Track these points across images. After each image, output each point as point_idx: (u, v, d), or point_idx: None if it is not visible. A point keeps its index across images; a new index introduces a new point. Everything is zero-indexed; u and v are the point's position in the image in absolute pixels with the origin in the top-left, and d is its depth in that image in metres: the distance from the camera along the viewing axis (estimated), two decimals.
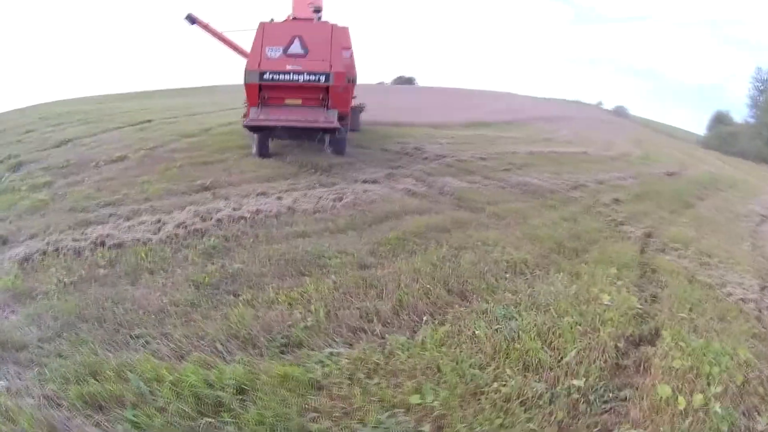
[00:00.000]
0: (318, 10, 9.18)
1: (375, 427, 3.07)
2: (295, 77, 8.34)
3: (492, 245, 5.99)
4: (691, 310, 5.03)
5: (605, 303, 4.63)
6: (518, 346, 3.87)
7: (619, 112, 36.57)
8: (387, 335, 4.05)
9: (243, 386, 3.55)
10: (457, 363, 3.64)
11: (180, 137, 13.18)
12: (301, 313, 4.37)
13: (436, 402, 3.26)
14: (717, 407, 3.30)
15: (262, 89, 8.57)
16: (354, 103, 12.30)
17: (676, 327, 4.50)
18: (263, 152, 9.72)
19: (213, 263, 5.58)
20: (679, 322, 4.67)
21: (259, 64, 8.40)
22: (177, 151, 11.49)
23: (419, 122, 19.67)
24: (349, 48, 10.11)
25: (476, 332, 4.02)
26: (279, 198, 7.73)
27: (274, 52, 8.37)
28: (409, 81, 34.73)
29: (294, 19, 9.28)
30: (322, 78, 8.33)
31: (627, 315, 4.57)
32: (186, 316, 4.65)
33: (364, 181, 8.86)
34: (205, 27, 10.87)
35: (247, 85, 8.59)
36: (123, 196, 8.39)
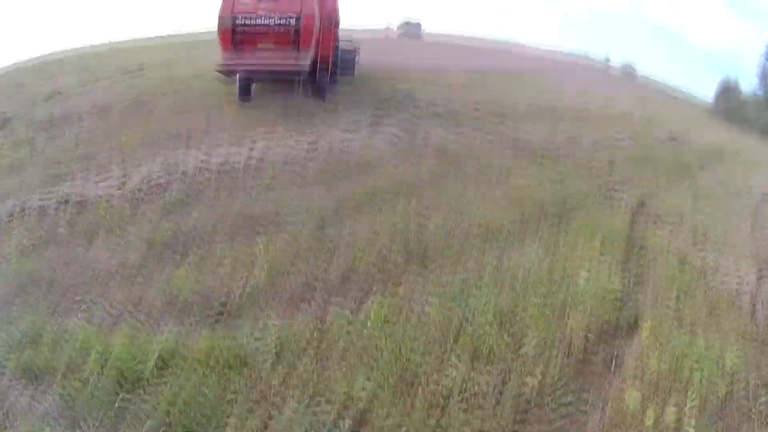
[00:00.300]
0: None
1: (290, 418, 2.84)
2: (267, 21, 8.39)
3: (466, 205, 5.49)
4: (678, 298, 4.39)
5: (581, 283, 4.10)
6: (470, 329, 3.43)
7: (626, 70, 34.09)
8: (329, 307, 3.76)
9: (165, 360, 3.37)
10: (398, 346, 3.28)
11: (169, 83, 12.66)
12: (243, 277, 4.11)
13: (363, 393, 2.94)
14: (691, 427, 2.80)
15: (235, 33, 8.53)
16: (347, 47, 12.04)
17: (658, 318, 3.91)
18: (244, 97, 9.42)
19: (169, 220, 5.35)
20: (664, 312, 4.08)
21: (232, 9, 8.41)
22: (162, 97, 11.05)
23: (420, 67, 18.25)
24: None
25: (426, 309, 3.67)
26: (251, 148, 7.28)
27: None
28: (417, 27, 33.72)
29: None
30: (293, 20, 8.32)
31: (604, 300, 3.99)
32: (131, 279, 4.47)
33: (345, 130, 8.29)
34: None
35: (221, 31, 8.56)
36: (98, 149, 8.13)
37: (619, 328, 3.84)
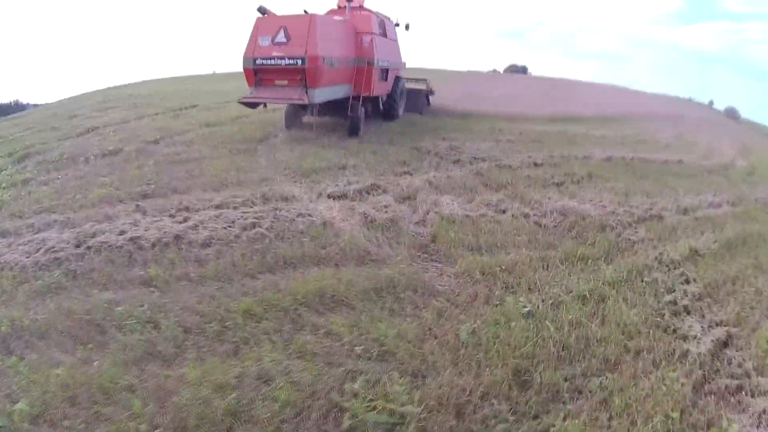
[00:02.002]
0: (262, 11, 10.06)
1: None
2: (279, 61, 9.60)
3: (392, 355, 3.49)
4: None
5: None
6: None
7: (731, 114, 29.66)
8: None
9: None
10: None
11: (200, 126, 12.38)
12: None
13: None
14: None
15: (256, 72, 9.85)
16: (417, 86, 15.92)
17: None
18: (288, 125, 11.49)
19: (29, 307, 4.28)
20: None
21: (252, 52, 9.75)
22: (179, 144, 10.59)
23: (500, 112, 17.00)
24: (369, 33, 11.57)
25: None
26: (183, 220, 5.93)
27: (265, 41, 9.69)
28: (522, 70, 33.29)
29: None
30: (299, 61, 9.43)
31: None
32: None
33: (329, 196, 6.84)
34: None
35: (245, 69, 9.94)
36: (64, 202, 7.54)
37: None
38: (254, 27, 9.80)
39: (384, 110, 13.53)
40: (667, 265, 5.17)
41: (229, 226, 5.75)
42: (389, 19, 13.63)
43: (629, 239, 5.88)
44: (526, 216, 6.33)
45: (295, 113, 11.47)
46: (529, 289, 4.53)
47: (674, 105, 29.65)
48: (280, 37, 9.58)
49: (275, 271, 4.81)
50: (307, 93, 9.54)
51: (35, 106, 23.99)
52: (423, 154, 9.70)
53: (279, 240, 5.42)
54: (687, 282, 4.85)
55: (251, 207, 6.40)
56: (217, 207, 6.49)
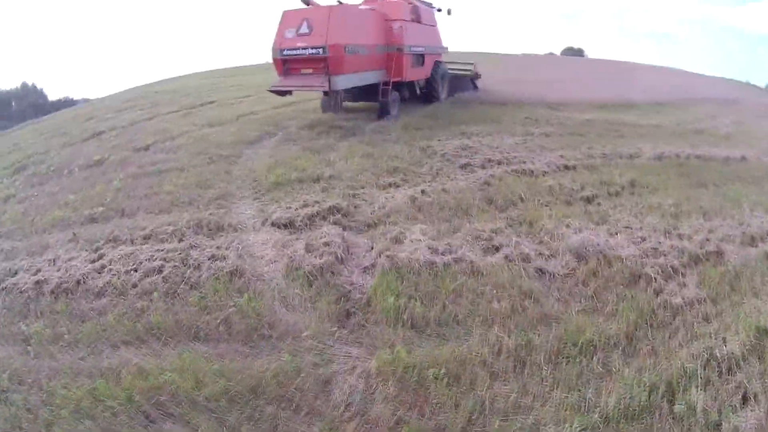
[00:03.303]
0: (306, 2, 10.26)
1: None
2: (303, 51, 9.74)
3: None
4: None
5: None
6: None
7: None
8: None
9: None
10: None
11: (201, 126, 11.32)
12: None
13: None
14: None
15: (284, 62, 10.03)
16: (462, 72, 15.97)
17: None
18: (326, 108, 11.81)
19: None
20: None
21: (280, 43, 9.94)
22: (167, 150, 9.57)
23: (543, 98, 14.77)
24: (399, 20, 11.54)
25: None
26: (97, 258, 5.06)
27: (290, 33, 9.85)
28: (579, 52, 30.63)
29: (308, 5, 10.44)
30: (321, 50, 9.52)
31: None
32: None
33: (274, 223, 5.34)
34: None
35: (274, 60, 10.16)
36: (22, 226, 6.80)
37: None
38: (280, 20, 10.06)
39: (422, 94, 13.38)
40: (718, 367, 3.15)
41: (134, 270, 4.75)
42: (428, 4, 13.53)
43: (671, 303, 3.88)
44: (526, 259, 4.45)
45: (332, 98, 11.51)
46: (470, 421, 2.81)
47: (731, 89, 25.53)
48: (304, 29, 9.79)
49: (139, 345, 3.71)
50: (329, 80, 9.62)
51: (86, 101, 24.34)
52: (427, 155, 7.88)
53: (166, 297, 4.26)
54: (745, 403, 2.86)
55: (172, 242, 5.27)
56: (145, 238, 5.57)
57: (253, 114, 12.45)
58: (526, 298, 3.91)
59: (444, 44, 14.26)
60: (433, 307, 3.84)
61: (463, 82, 16.06)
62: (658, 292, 4.08)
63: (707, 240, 4.96)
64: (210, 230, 5.54)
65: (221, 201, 6.49)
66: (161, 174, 8.02)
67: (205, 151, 9.03)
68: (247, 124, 11.27)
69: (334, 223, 5.33)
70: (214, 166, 8.06)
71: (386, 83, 11.31)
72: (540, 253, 4.57)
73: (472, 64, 16.69)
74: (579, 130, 10.31)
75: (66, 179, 8.81)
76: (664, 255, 4.61)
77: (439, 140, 8.76)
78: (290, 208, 5.74)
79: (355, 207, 5.78)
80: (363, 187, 6.41)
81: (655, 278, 4.23)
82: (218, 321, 3.87)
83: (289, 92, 10.89)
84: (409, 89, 12.79)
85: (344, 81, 10.03)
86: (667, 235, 5.05)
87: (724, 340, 3.40)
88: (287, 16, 10.00)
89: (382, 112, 11.34)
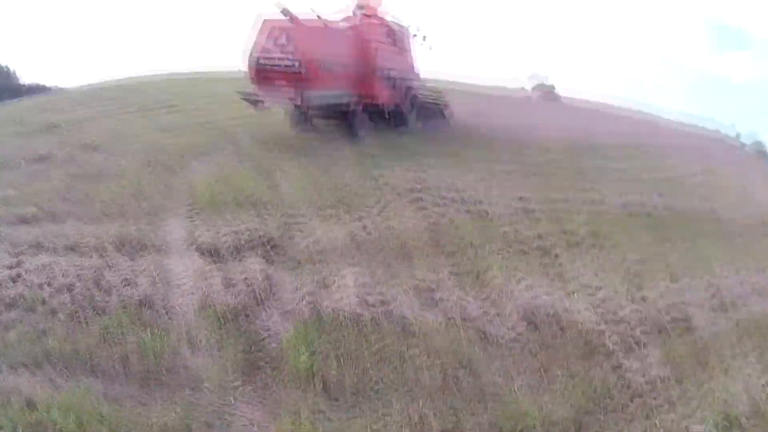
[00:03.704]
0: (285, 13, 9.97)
1: None
2: (279, 62, 9.59)
3: None
4: None
5: None
6: None
7: (758, 149, 25.83)
8: None
9: None
10: None
11: (154, 131, 10.62)
12: None
13: None
14: None
15: (259, 71, 9.80)
16: (432, 99, 14.48)
17: None
18: (295, 122, 11.23)
19: None
20: None
21: (256, 52, 9.73)
22: (114, 152, 8.93)
23: (514, 135, 14.44)
24: (375, 41, 11.35)
25: None
26: (16, 264, 4.76)
27: (268, 43, 9.68)
28: (550, 88, 31.39)
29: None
30: (296, 63, 9.43)
31: None
32: None
33: (199, 249, 4.72)
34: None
35: (249, 68, 9.87)
36: None
37: None
38: (260, 28, 9.88)
39: (391, 119, 12.69)
40: None
41: (47, 284, 4.37)
42: (406, 29, 13.13)
43: (629, 381, 3.36)
44: (468, 318, 3.89)
45: (302, 113, 11.15)
46: None
47: (702, 135, 26.39)
48: (282, 40, 9.71)
49: (35, 371, 3.39)
50: (302, 94, 9.50)
51: (61, 89, 23.11)
52: (379, 185, 7.26)
53: (71, 320, 3.85)
54: None
55: (92, 257, 4.80)
56: (67, 249, 5.05)
57: (209, 123, 11.74)
58: (461, 367, 3.33)
59: (417, 71, 14.02)
60: (352, 370, 3.25)
61: (434, 111, 15.43)
62: (615, 368, 3.56)
63: (673, 305, 4.52)
64: (132, 248, 4.97)
65: (153, 216, 5.90)
66: (101, 178, 7.45)
67: (151, 158, 8.38)
68: (201, 133, 10.60)
69: (262, 256, 4.70)
70: (156, 176, 7.44)
71: (357, 103, 10.93)
72: (485, 312, 4.00)
73: (440, 92, 16.05)
74: (543, 170, 9.93)
75: (11, 173, 8.18)
76: (626, 322, 4.12)
77: (393, 171, 8.20)
78: (219, 233, 5.08)
79: (290, 238, 5.15)
80: (303, 216, 5.78)
81: (614, 350, 3.71)
82: (116, 357, 3.45)
83: (261, 102, 10.39)
84: (378, 112, 12.33)
85: (317, 97, 9.82)
86: (630, 297, 4.57)
87: (687, 430, 2.89)
88: (267, 25, 9.81)
89: (351, 132, 10.94)
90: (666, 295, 4.70)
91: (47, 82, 23.97)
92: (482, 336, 3.72)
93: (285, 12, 9.91)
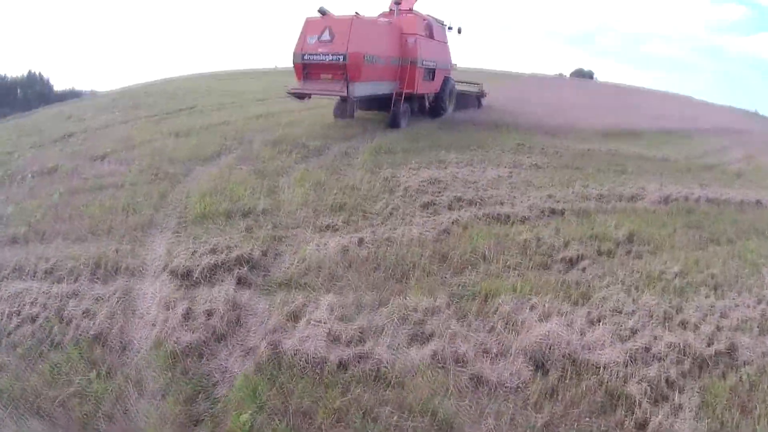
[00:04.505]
0: (322, 12, 10.35)
1: None
2: (323, 57, 9.97)
3: None
4: None
5: None
6: None
7: None
8: None
9: None
10: None
11: (167, 135, 10.36)
12: None
13: None
14: None
15: (304, 67, 10.26)
16: (469, 89, 16.34)
17: None
18: (339, 115, 11.69)
19: None
20: None
21: (301, 48, 10.19)
22: (121, 161, 8.64)
23: (547, 123, 13.81)
24: (414, 35, 11.77)
25: None
26: None
27: (312, 40, 10.10)
28: (589, 75, 31.11)
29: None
30: (341, 57, 9.77)
31: None
32: None
33: (172, 271, 4.25)
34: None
35: (294, 64, 10.37)
36: None
37: None
38: (303, 26, 10.26)
39: (430, 108, 13.51)
40: None
41: (16, 314, 3.89)
42: (440, 22, 13.72)
43: None
44: (461, 360, 3.22)
45: (347, 105, 11.32)
46: None
47: (740, 118, 24.52)
48: (326, 36, 10.01)
49: None
50: (348, 87, 9.82)
51: (93, 93, 23.75)
52: (389, 188, 6.65)
53: (28, 356, 3.42)
54: None
55: (67, 282, 4.31)
56: (46, 273, 4.58)
57: (225, 124, 11.48)
58: (440, 430, 2.67)
59: (453, 61, 14.51)
60: None
61: (469, 99, 16.38)
62: (640, 426, 2.82)
63: (718, 330, 3.69)
64: (107, 272, 4.49)
65: (139, 232, 5.42)
66: (99, 191, 7.06)
67: (155, 165, 8.04)
68: (212, 135, 10.28)
69: (239, 279, 4.16)
70: (154, 186, 7.03)
71: (398, 94, 11.53)
72: (485, 351, 3.31)
73: (479, 84, 17.07)
74: (576, 162, 8.96)
75: (16, 187, 7.91)
76: (659, 360, 3.33)
77: (409, 168, 7.54)
78: (196, 252, 4.59)
79: (276, 256, 4.60)
80: (297, 227, 5.24)
81: (640, 402, 2.96)
82: (60, 399, 3.02)
83: (308, 96, 10.86)
84: (419, 102, 13.00)
85: (361, 89, 10.25)
86: (667, 324, 3.76)
87: None
88: (310, 23, 10.23)
89: (393, 123, 11.50)
90: (709, 316, 3.87)
91: (83, 87, 24.72)
92: (476, 384, 3.05)
93: (323, 11, 10.37)
